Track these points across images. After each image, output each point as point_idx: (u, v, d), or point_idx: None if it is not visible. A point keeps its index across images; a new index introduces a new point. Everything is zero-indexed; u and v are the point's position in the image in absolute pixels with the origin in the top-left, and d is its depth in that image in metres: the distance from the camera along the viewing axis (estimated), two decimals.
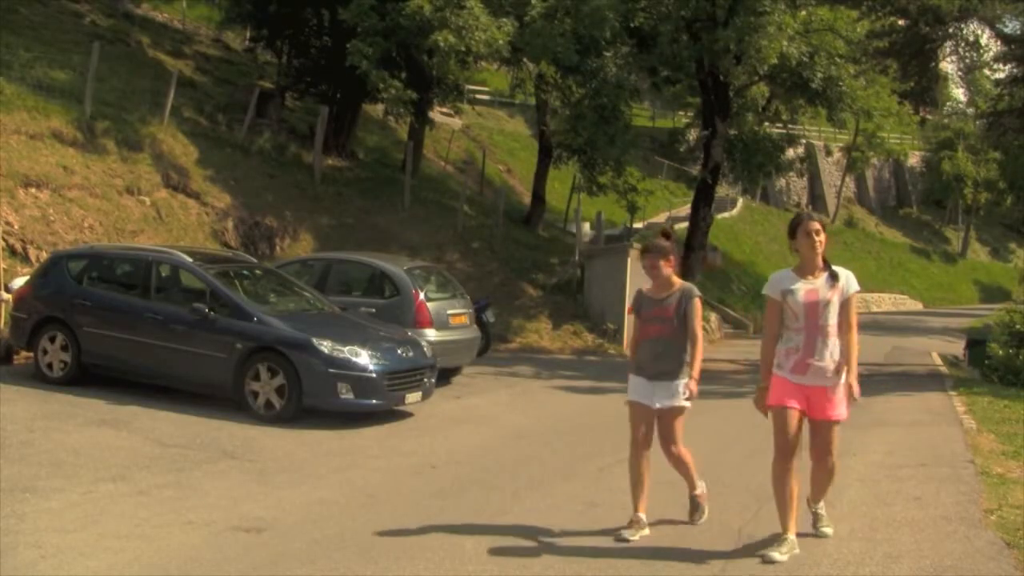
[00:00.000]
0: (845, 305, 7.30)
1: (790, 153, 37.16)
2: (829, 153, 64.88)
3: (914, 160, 72.13)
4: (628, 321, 17.10)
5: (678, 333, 7.77)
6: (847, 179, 65.34)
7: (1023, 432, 13.01)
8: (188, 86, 26.91)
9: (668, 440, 7.91)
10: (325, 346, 12.04)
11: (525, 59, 27.58)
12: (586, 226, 31.69)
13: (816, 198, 63.85)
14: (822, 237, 7.30)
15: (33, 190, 17.46)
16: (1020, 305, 29.47)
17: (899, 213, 70.93)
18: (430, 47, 23.46)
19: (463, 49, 23.45)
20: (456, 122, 37.40)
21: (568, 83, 27.96)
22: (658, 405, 7.73)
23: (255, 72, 31.79)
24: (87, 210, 18.15)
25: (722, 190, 41.52)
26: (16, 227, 16.32)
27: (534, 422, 13.33)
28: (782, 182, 58.84)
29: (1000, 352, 24.35)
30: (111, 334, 12.81)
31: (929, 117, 77.59)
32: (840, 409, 7.46)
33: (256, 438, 10.88)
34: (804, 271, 7.36)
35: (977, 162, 66.59)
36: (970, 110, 78.24)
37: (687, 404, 7.78)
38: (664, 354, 7.75)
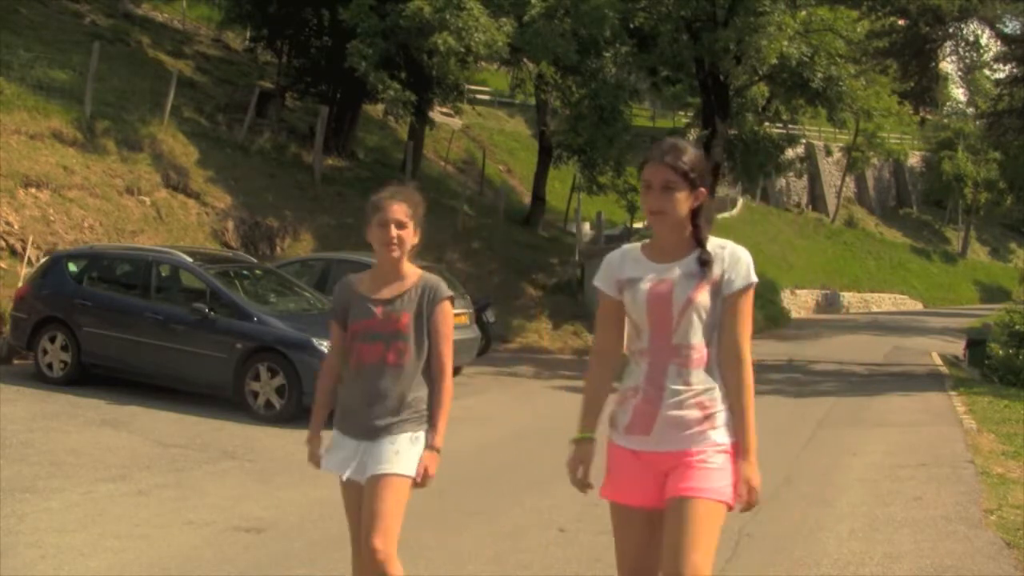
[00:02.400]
0: (730, 308, 4.00)
1: (790, 153, 37.19)
2: (829, 153, 64.87)
3: (914, 160, 72.13)
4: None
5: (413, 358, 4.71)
6: (847, 179, 65.34)
7: (1023, 432, 13.02)
8: (188, 86, 26.91)
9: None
10: (325, 346, 12.01)
11: (525, 59, 27.62)
12: (586, 226, 31.72)
13: (816, 198, 63.85)
14: (678, 191, 3.95)
15: (33, 190, 17.46)
16: (1020, 305, 29.50)
17: (899, 213, 70.94)
18: (430, 48, 23.46)
19: (463, 50, 23.46)
20: (456, 122, 37.40)
21: (568, 83, 27.99)
22: (368, 474, 4.70)
23: (255, 72, 31.78)
24: (87, 210, 18.14)
25: (722, 190, 41.55)
26: (16, 227, 16.31)
27: (534, 422, 13.34)
28: (782, 182, 58.85)
29: (1000, 352, 24.39)
30: (111, 334, 12.82)
31: (929, 117, 77.67)
32: (716, 482, 3.94)
33: (256, 438, 10.88)
34: (659, 249, 4.09)
35: (977, 162, 66.61)
36: (970, 110, 78.32)
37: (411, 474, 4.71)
38: (387, 395, 4.68)
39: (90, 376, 12.94)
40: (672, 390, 3.96)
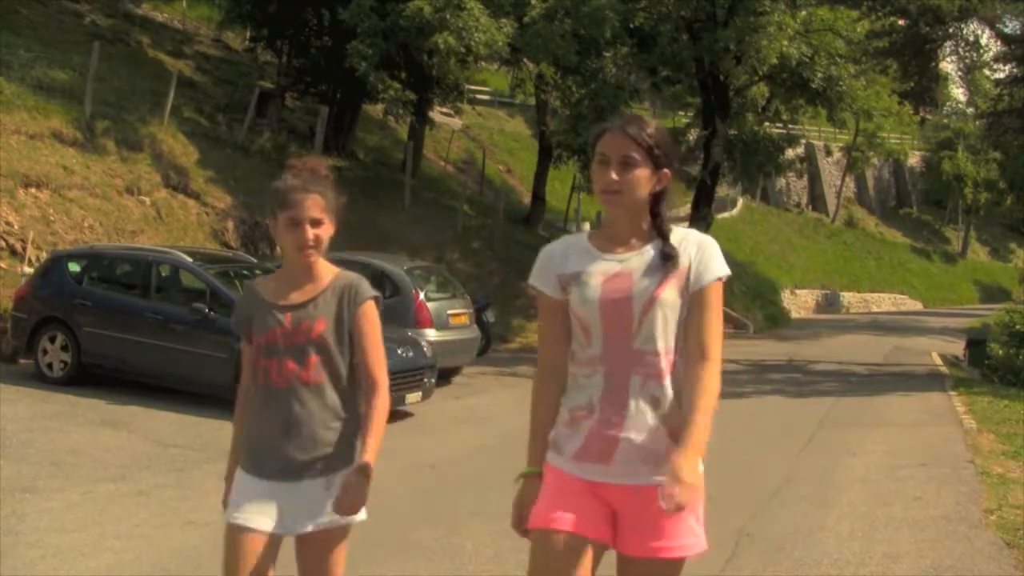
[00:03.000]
0: (698, 304, 3.33)
1: (790, 153, 37.17)
2: (829, 153, 64.90)
3: (914, 160, 72.15)
4: None
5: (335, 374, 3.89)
6: (847, 179, 65.36)
7: (1023, 432, 13.02)
8: (188, 86, 26.90)
9: None
10: None
11: (525, 59, 27.62)
12: (586, 226, 31.73)
13: (816, 198, 63.87)
14: (638, 169, 3.32)
15: (33, 190, 17.46)
16: (1020, 305, 29.51)
17: (899, 213, 70.96)
18: (430, 48, 23.46)
19: (463, 50, 23.47)
20: (456, 122, 37.40)
21: (568, 83, 27.99)
22: (300, 528, 3.88)
23: (255, 72, 31.77)
24: (87, 210, 18.14)
25: (722, 190, 41.52)
26: (16, 227, 16.32)
27: None
28: (782, 182, 58.87)
29: (1000, 352, 24.39)
30: (111, 334, 12.83)
31: (929, 117, 77.68)
32: (685, 535, 3.44)
33: None
34: (611, 238, 3.44)
35: (977, 162, 66.63)
36: (970, 110, 78.33)
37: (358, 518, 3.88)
38: (309, 421, 3.85)
39: (90, 376, 12.95)
40: (637, 408, 3.25)
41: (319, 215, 3.80)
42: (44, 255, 15.55)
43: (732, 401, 15.17)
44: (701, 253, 3.33)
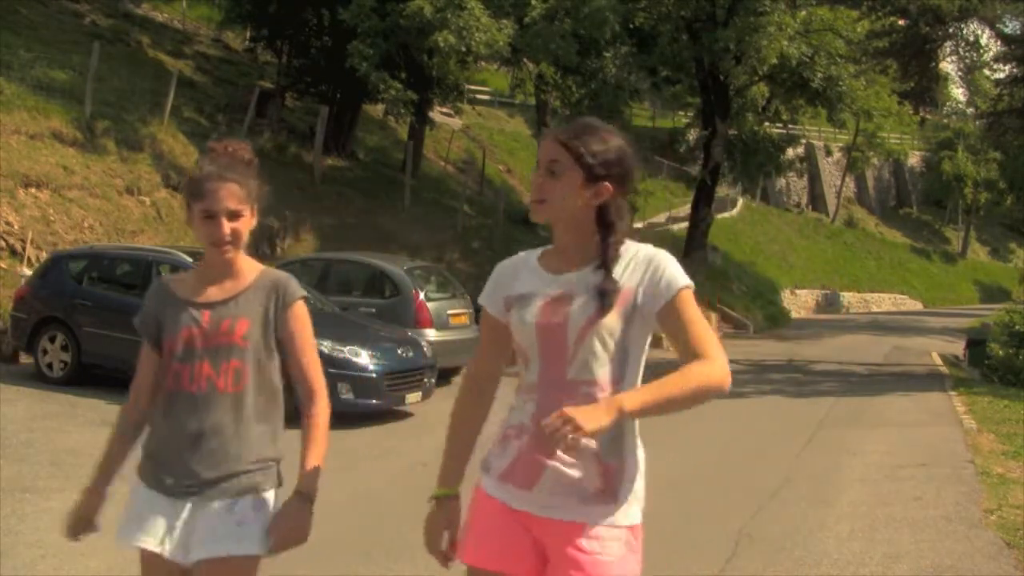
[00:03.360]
0: (671, 323, 2.97)
1: (790, 153, 37.24)
2: (829, 153, 64.93)
3: (914, 160, 72.20)
4: None
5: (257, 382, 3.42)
6: (847, 179, 65.39)
7: (1023, 432, 13.01)
8: (188, 86, 26.92)
9: None
10: (325, 346, 12.03)
11: (525, 59, 27.64)
12: None
13: (816, 198, 63.89)
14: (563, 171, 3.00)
15: (33, 190, 17.46)
16: (1020, 305, 29.51)
17: (899, 213, 71.00)
18: (430, 47, 23.48)
19: (463, 50, 23.50)
20: (456, 122, 37.41)
21: (568, 83, 28.02)
22: (194, 556, 3.39)
23: (255, 72, 31.79)
24: (87, 210, 18.15)
25: (722, 190, 41.55)
26: (16, 227, 16.32)
27: None
28: (782, 182, 58.92)
29: (1000, 352, 24.40)
30: (111, 334, 12.82)
31: (929, 117, 77.76)
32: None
33: None
34: (556, 256, 3.15)
35: (977, 162, 66.66)
36: (970, 110, 78.36)
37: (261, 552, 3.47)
38: (221, 433, 3.37)
39: (90, 376, 12.95)
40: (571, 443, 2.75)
41: (237, 206, 3.29)
42: (44, 255, 15.55)
43: (732, 401, 15.17)
44: (651, 271, 2.98)
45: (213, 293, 3.38)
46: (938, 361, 25.20)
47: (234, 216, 3.29)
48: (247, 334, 3.34)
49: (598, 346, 2.96)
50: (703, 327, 2.96)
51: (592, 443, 2.85)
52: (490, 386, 3.37)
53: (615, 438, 2.94)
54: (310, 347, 3.48)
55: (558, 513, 2.98)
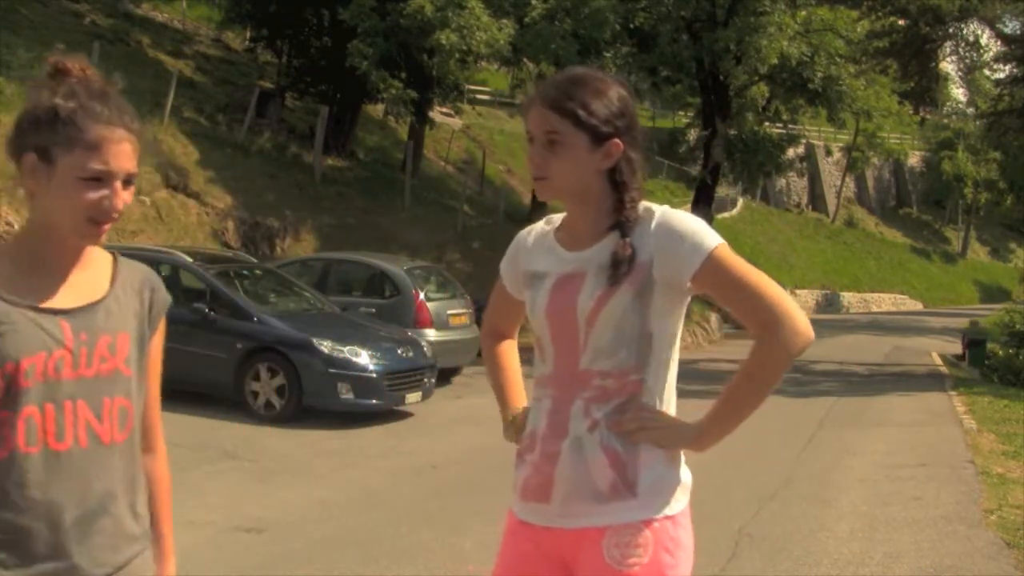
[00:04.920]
0: (714, 287, 2.61)
1: (790, 153, 37.24)
2: (829, 153, 64.94)
3: (914, 160, 72.22)
4: None
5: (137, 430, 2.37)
6: (847, 179, 65.39)
7: (1023, 432, 13.02)
8: (188, 86, 26.92)
9: None
10: (325, 346, 12.04)
11: (525, 59, 27.63)
12: None
13: (816, 198, 63.90)
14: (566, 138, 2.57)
15: None
16: (1020, 305, 29.52)
17: (899, 213, 71.02)
18: (431, 47, 23.49)
19: (464, 49, 23.51)
20: (456, 122, 37.42)
21: None
22: None
23: (255, 72, 31.79)
24: None
25: (722, 190, 41.57)
26: (16, 227, 16.33)
27: None
28: (782, 182, 58.95)
29: (1000, 352, 24.42)
30: None
31: (929, 117, 77.78)
32: None
33: (256, 438, 10.88)
34: (569, 230, 2.75)
35: (977, 162, 66.69)
36: (970, 110, 78.38)
37: None
38: (113, 507, 2.27)
39: None
40: (574, 439, 2.58)
41: (134, 168, 2.30)
42: None
43: None
44: (667, 235, 2.54)
45: (65, 295, 2.24)
46: (938, 361, 25.21)
47: (129, 182, 2.31)
48: (129, 357, 2.32)
49: (610, 329, 2.57)
50: (753, 283, 2.56)
51: (598, 442, 2.56)
52: (504, 331, 3.11)
53: (622, 410, 2.59)
54: (160, 372, 2.54)
55: (577, 521, 2.60)
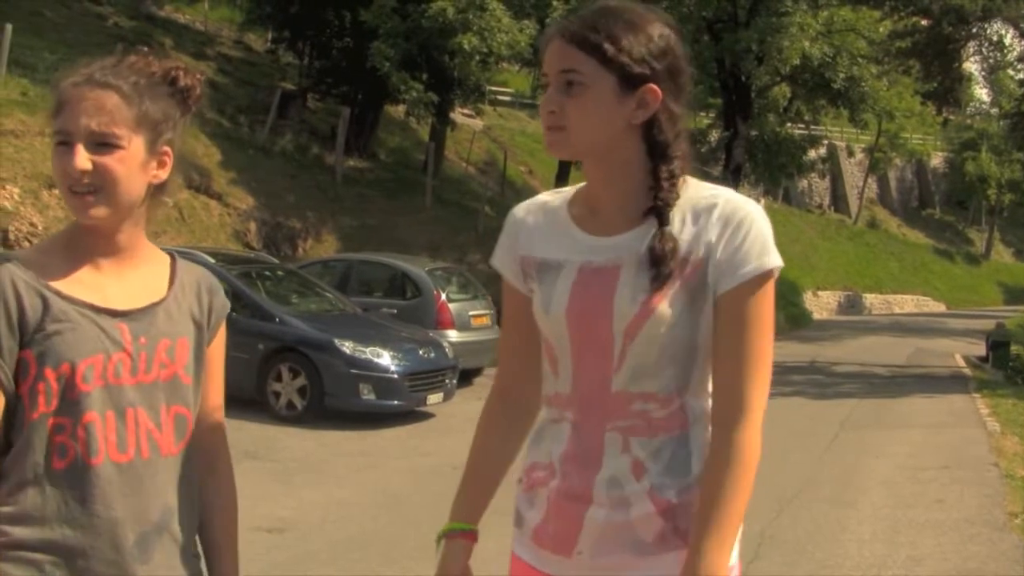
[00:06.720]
0: (728, 315, 2.01)
1: (812, 154, 37.12)
2: (851, 154, 64.67)
3: (937, 161, 71.82)
4: None
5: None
6: (869, 180, 65.11)
7: None
8: (210, 87, 26.95)
9: None
10: (347, 347, 12.07)
11: None
12: None
13: (838, 199, 63.65)
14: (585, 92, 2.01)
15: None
16: None
17: (922, 214, 70.65)
18: (452, 48, 23.52)
19: (485, 51, 23.53)
20: (477, 123, 37.42)
21: None
22: None
23: (277, 73, 31.87)
24: None
25: (743, 191, 41.34)
26: (40, 228, 16.42)
27: None
28: (804, 183, 58.73)
29: None
30: None
31: (952, 117, 77.32)
32: None
33: (277, 438, 10.91)
34: (592, 208, 2.16)
35: (1001, 163, 66.22)
36: (994, 110, 77.80)
37: None
38: (171, 524, 2.14)
39: None
40: (611, 478, 2.06)
41: (106, 127, 1.99)
42: None
43: None
44: (729, 232, 2.00)
45: (124, 295, 2.08)
46: (961, 363, 25.08)
47: (103, 144, 1.99)
48: (188, 363, 2.15)
49: (657, 344, 2.02)
50: (758, 346, 2.02)
51: (650, 472, 2.05)
52: (523, 398, 2.32)
53: (675, 455, 2.06)
54: (222, 383, 2.30)
55: (610, 573, 2.09)
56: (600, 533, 2.05)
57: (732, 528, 1.96)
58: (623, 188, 2.08)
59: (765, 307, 2.02)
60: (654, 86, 2.03)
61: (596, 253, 2.07)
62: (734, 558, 2.05)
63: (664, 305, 2.00)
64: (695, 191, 2.06)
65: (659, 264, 1.99)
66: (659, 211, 2.02)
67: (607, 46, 2.00)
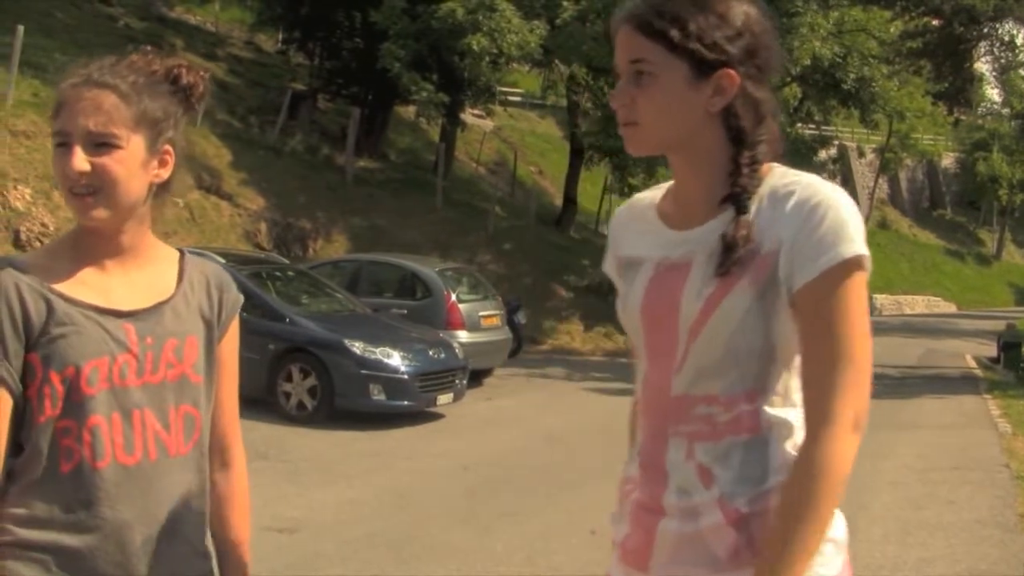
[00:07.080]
0: (808, 314, 1.82)
1: (823, 154, 37.05)
2: (862, 154, 64.53)
3: (948, 161, 71.62)
4: None
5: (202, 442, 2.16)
6: (880, 180, 64.96)
7: None
8: (221, 88, 27.03)
9: None
10: (357, 347, 12.08)
11: (557, 61, 27.62)
12: None
13: None
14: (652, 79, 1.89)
15: None
16: None
17: (933, 215, 70.47)
18: (462, 49, 23.54)
19: (495, 51, 23.54)
20: (487, 124, 37.44)
21: (599, 84, 27.97)
22: None
23: (287, 74, 31.93)
24: None
25: None
26: (52, 228, 16.47)
27: (566, 424, 13.32)
28: None
29: None
30: None
31: (963, 118, 77.10)
32: None
33: (288, 439, 10.93)
34: (675, 202, 2.04)
35: (1012, 163, 66.02)
36: (1005, 111, 77.63)
37: None
38: (182, 527, 2.12)
39: None
40: (678, 489, 1.94)
41: (104, 127, 1.99)
42: None
43: None
44: (802, 219, 1.84)
45: (129, 295, 2.07)
46: (972, 364, 25.01)
47: (101, 144, 1.98)
48: (198, 362, 2.12)
49: (721, 342, 1.88)
50: (846, 343, 1.82)
51: (719, 481, 1.91)
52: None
53: (746, 461, 1.91)
54: (236, 379, 2.27)
55: None
56: (673, 547, 1.94)
57: (805, 546, 1.79)
58: (706, 179, 1.94)
59: (851, 302, 1.83)
60: (730, 71, 1.90)
61: (673, 248, 1.97)
62: (837, 567, 1.90)
63: (729, 300, 1.86)
64: (779, 178, 1.92)
65: (728, 251, 1.85)
66: (736, 198, 1.89)
67: (674, 32, 1.87)
